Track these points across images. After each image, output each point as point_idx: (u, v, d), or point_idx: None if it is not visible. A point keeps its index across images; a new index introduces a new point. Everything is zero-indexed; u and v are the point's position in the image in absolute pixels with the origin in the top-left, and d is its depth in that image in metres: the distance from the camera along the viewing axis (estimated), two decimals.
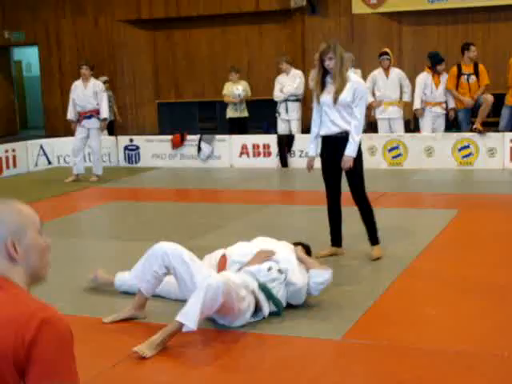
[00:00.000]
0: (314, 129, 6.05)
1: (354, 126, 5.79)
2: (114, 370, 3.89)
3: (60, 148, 13.06)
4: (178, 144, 12.58)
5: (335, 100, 5.77)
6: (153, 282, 4.52)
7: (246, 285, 4.51)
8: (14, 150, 12.45)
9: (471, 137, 10.96)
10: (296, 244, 5.12)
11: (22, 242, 1.99)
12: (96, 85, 11.18)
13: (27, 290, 1.99)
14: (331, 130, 5.89)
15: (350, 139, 5.79)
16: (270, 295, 4.58)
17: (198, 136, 12.56)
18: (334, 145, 5.91)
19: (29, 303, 1.90)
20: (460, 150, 11.00)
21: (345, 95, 5.75)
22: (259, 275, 4.65)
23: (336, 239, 6.14)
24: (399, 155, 11.31)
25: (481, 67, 11.34)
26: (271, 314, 4.60)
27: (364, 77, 11.95)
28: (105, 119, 11.16)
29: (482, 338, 4.23)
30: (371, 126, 12.99)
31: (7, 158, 12.27)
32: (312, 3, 14.96)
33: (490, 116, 12.07)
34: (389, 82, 11.56)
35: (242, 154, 12.25)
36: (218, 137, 12.47)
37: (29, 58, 20.46)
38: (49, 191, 10.41)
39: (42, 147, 13.07)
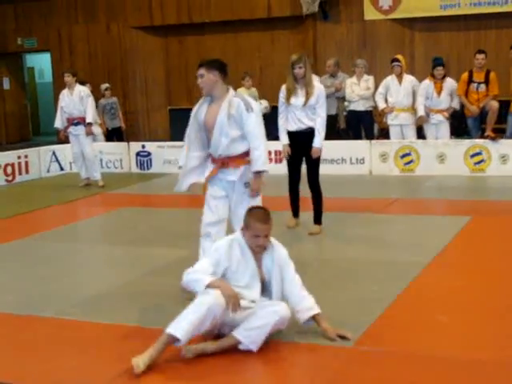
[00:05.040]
0: (283, 122, 7.26)
1: (319, 122, 7.08)
2: (127, 375, 3.88)
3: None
4: None
5: (305, 103, 7.03)
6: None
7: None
8: (26, 156, 12.52)
9: (483, 143, 10.91)
10: None
11: None
12: (81, 90, 11.25)
13: None
14: (299, 126, 7.15)
15: (317, 133, 7.07)
16: None
17: None
18: (301, 139, 7.14)
19: None
20: (472, 156, 10.95)
21: (313, 99, 7.04)
22: None
23: (297, 212, 7.63)
24: (411, 161, 11.27)
25: (492, 76, 11.27)
26: None
27: (376, 83, 11.96)
28: (89, 124, 11.20)
29: (495, 346, 4.20)
30: (383, 133, 12.95)
31: (20, 163, 12.33)
32: (324, 9, 14.96)
33: (502, 122, 12.00)
34: (401, 89, 11.48)
35: None
36: None
37: (41, 64, 20.58)
38: (61, 197, 10.45)
39: (54, 153, 13.14)
